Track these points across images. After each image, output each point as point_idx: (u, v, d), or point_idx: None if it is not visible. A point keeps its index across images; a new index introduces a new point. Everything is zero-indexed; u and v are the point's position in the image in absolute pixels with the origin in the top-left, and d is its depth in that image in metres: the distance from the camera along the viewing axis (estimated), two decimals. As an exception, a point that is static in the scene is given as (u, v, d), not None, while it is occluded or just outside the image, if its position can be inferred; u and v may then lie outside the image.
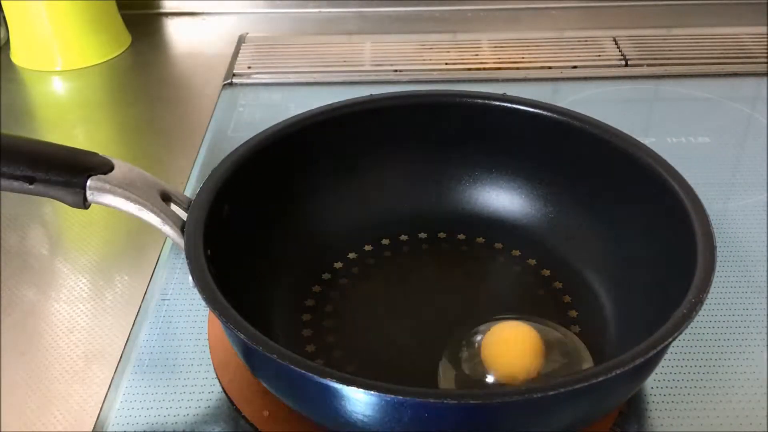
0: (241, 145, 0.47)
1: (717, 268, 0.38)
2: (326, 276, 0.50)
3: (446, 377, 0.42)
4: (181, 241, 0.41)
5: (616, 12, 0.87)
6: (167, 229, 0.41)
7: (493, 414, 0.35)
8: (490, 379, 0.40)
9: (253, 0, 0.89)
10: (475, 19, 0.87)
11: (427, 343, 0.45)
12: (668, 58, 0.77)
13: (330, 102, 0.51)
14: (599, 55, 0.78)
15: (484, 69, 0.76)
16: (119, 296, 0.51)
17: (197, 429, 0.42)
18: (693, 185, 0.43)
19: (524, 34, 0.82)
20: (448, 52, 0.79)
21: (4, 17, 0.80)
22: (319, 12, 0.89)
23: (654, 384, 0.44)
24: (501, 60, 0.77)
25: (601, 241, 0.49)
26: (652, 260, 0.45)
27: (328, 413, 0.36)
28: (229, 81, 0.76)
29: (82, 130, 0.71)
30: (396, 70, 0.76)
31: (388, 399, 0.33)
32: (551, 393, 0.33)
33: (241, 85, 0.75)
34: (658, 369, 0.42)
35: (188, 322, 0.48)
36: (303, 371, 0.34)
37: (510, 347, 0.41)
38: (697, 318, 0.36)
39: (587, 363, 0.42)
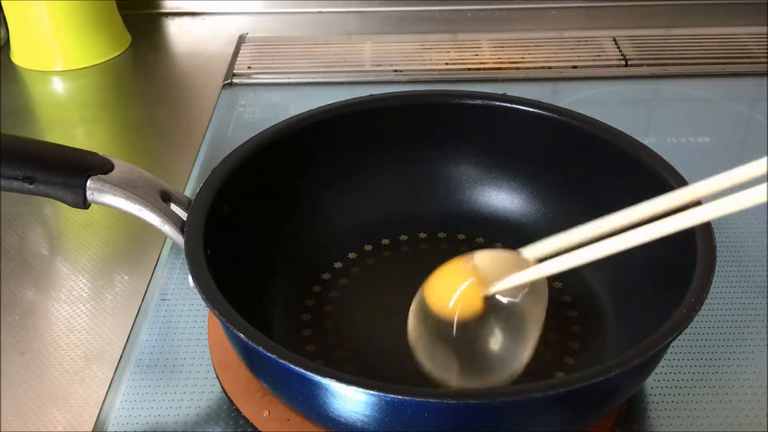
0: (242, 145, 0.47)
1: (717, 268, 0.38)
2: (326, 276, 0.50)
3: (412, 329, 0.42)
4: (181, 241, 0.41)
5: (616, 12, 0.87)
6: (167, 229, 0.41)
7: (493, 414, 0.35)
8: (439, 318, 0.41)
9: (253, 0, 0.89)
10: (475, 19, 0.87)
11: (427, 343, 0.45)
12: (668, 58, 0.77)
13: (330, 102, 0.51)
14: (599, 55, 0.78)
15: (484, 69, 0.76)
16: (119, 296, 0.51)
17: (197, 429, 0.42)
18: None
19: (524, 34, 0.82)
20: (448, 52, 0.79)
21: (4, 17, 0.80)
22: (319, 12, 0.89)
23: (654, 384, 0.44)
24: (501, 60, 0.77)
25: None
26: (651, 260, 0.45)
27: (327, 413, 0.36)
28: (229, 81, 0.76)
29: (82, 130, 0.71)
30: (396, 70, 0.76)
31: (388, 399, 0.33)
32: (551, 393, 0.33)
33: (241, 85, 0.75)
34: (658, 369, 0.42)
35: (188, 322, 0.48)
36: (303, 371, 0.34)
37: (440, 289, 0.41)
38: (697, 318, 0.36)
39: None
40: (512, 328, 0.41)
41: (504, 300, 0.40)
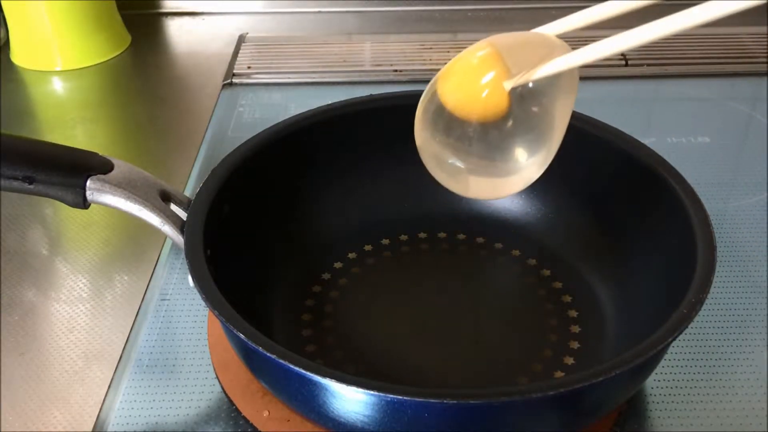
0: (242, 145, 0.47)
1: (717, 268, 0.38)
2: (326, 276, 0.50)
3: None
4: (181, 241, 0.41)
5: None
6: (167, 229, 0.41)
7: (493, 414, 0.35)
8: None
9: (253, 0, 0.89)
10: (475, 19, 0.87)
11: (427, 343, 0.45)
12: (668, 58, 0.77)
13: (330, 102, 0.51)
14: (599, 55, 0.78)
15: (484, 69, 0.76)
16: (119, 296, 0.51)
17: (197, 429, 0.42)
18: (693, 185, 0.43)
19: (524, 34, 0.82)
20: (448, 52, 0.79)
21: (4, 17, 0.80)
22: (319, 12, 0.89)
23: (654, 384, 0.44)
24: (501, 60, 0.77)
25: (601, 240, 0.49)
26: (651, 260, 0.45)
27: (327, 413, 0.36)
28: (229, 81, 0.76)
29: (82, 130, 0.71)
30: (396, 70, 0.76)
31: (388, 399, 0.33)
32: (551, 393, 0.33)
33: (241, 85, 0.75)
34: (658, 369, 0.42)
35: (188, 322, 0.48)
36: (303, 371, 0.34)
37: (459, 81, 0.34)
38: (697, 318, 0.36)
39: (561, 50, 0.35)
40: (534, 127, 0.36)
41: (528, 93, 0.34)
